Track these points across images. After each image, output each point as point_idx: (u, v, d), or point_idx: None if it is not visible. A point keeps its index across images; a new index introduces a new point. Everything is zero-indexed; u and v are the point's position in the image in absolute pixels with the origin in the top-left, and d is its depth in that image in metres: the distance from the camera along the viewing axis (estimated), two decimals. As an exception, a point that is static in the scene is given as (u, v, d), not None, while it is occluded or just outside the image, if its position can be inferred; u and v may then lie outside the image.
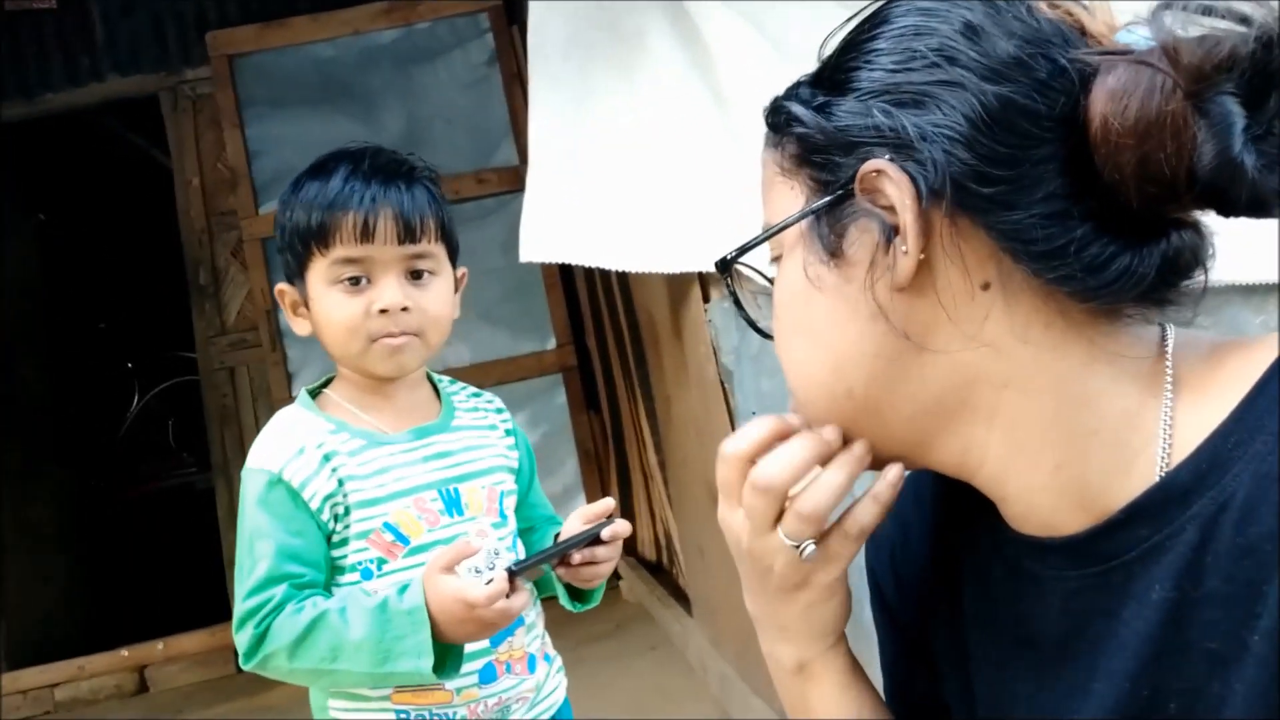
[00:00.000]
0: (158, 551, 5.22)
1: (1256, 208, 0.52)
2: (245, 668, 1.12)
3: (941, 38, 0.56)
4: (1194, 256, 0.56)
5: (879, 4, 0.60)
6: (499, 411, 1.30)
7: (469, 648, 1.11)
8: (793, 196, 0.61)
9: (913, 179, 0.55)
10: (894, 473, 0.62)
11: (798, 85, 0.62)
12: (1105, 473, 0.56)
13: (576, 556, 1.12)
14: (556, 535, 1.22)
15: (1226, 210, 0.54)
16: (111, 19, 4.22)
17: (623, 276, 2.95)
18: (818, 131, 0.59)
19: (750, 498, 0.62)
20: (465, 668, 1.11)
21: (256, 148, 4.01)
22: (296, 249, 1.17)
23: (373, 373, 1.18)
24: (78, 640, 3.91)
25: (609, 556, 1.14)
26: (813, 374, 0.61)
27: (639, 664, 2.97)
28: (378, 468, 1.16)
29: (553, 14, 2.23)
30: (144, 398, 6.20)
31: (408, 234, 1.15)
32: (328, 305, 1.16)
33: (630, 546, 3.73)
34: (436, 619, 1.05)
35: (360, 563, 1.15)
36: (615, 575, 3.62)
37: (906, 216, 0.55)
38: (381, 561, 1.14)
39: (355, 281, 1.15)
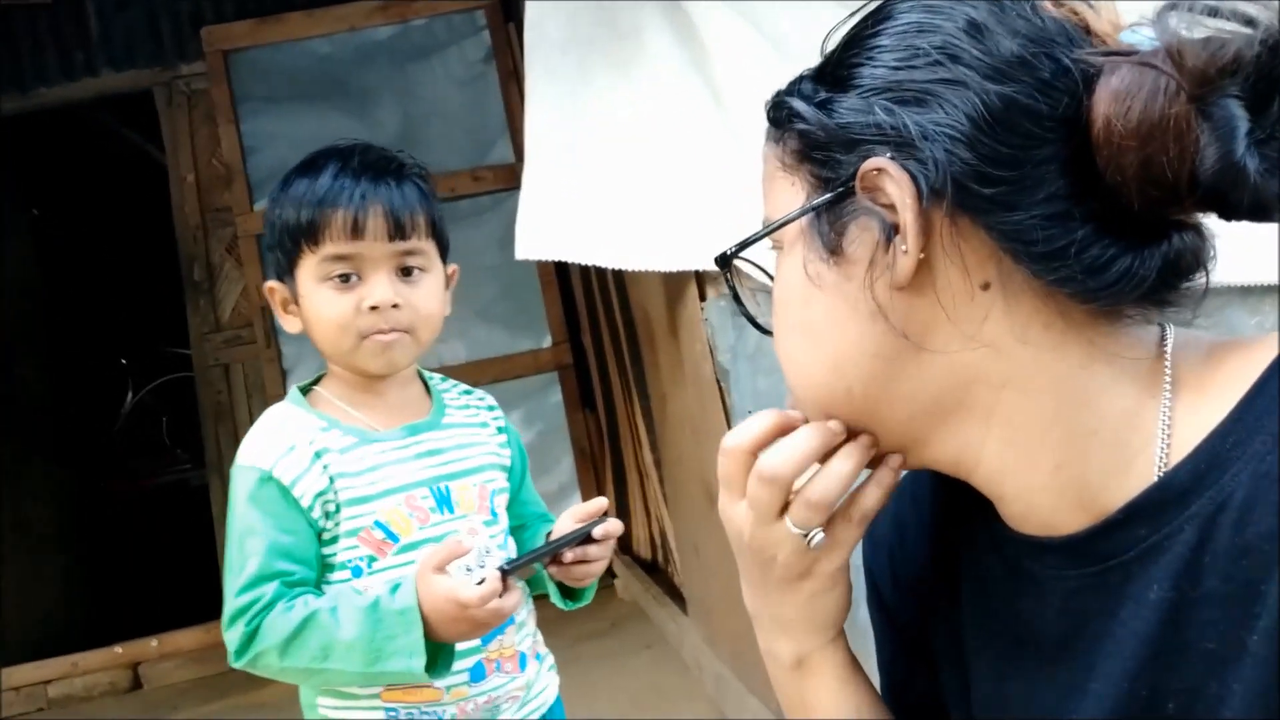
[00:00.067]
0: (152, 548, 5.21)
1: (1258, 212, 0.52)
2: (234, 666, 1.11)
3: (945, 35, 0.56)
4: (1195, 258, 0.56)
5: (881, 0, 0.60)
6: (491, 409, 1.30)
7: (459, 646, 1.11)
8: (793, 192, 0.61)
9: (914, 178, 0.55)
10: (896, 459, 0.62)
11: (800, 80, 0.62)
12: (1104, 473, 0.56)
13: (568, 555, 1.12)
14: (548, 533, 1.21)
15: (1228, 214, 0.54)
16: (106, 13, 4.20)
17: (619, 274, 2.95)
18: (819, 128, 0.58)
19: (755, 488, 0.62)
20: (455, 666, 1.11)
21: (251, 144, 4.00)
22: (286, 246, 1.17)
23: (364, 370, 1.18)
24: (71, 637, 3.90)
25: (601, 555, 1.14)
26: (811, 372, 0.61)
27: (634, 663, 2.97)
28: (369, 465, 1.16)
29: (549, 11, 2.22)
30: (138, 394, 6.19)
31: (398, 231, 1.15)
32: (318, 302, 1.16)
33: (625, 545, 3.73)
34: (429, 618, 1.05)
35: (350, 560, 1.14)
36: (610, 574, 3.62)
37: (907, 215, 0.55)
38: (372, 559, 1.14)
39: (345, 278, 1.15)
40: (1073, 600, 0.58)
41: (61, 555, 4.46)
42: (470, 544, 1.12)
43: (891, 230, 0.56)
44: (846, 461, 0.61)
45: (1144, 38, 0.53)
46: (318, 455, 1.14)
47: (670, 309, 2.30)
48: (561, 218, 2.10)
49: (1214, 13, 0.51)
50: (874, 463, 0.63)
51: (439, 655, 1.08)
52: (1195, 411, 0.55)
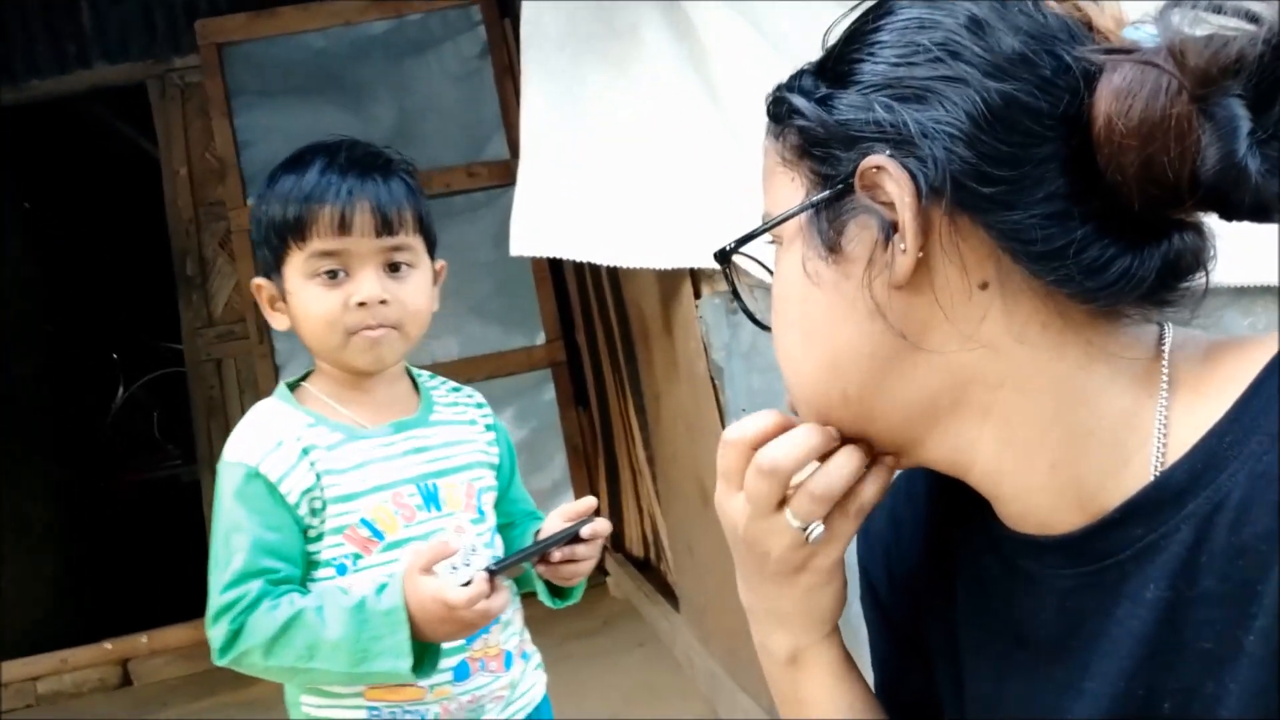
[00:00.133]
0: (142, 544, 5.20)
1: (1259, 212, 0.52)
2: (218, 663, 1.11)
3: (946, 31, 0.55)
4: (1195, 258, 0.56)
5: None
6: (479, 406, 1.29)
7: (444, 645, 1.11)
8: (793, 188, 0.61)
9: (913, 176, 0.54)
10: (892, 456, 0.62)
11: (800, 74, 0.62)
12: (1101, 472, 0.56)
13: (556, 555, 1.12)
14: (537, 532, 1.21)
15: (1229, 214, 0.53)
16: (99, 5, 4.19)
17: (613, 272, 2.95)
18: (818, 125, 0.58)
19: (755, 480, 0.62)
20: (439, 665, 1.11)
21: (245, 138, 3.98)
22: (273, 243, 1.16)
23: (351, 366, 1.18)
24: (60, 633, 3.88)
25: (589, 555, 1.14)
26: (808, 371, 0.61)
27: (626, 661, 2.97)
28: (356, 462, 1.15)
29: (546, 7, 2.22)
30: (129, 389, 6.16)
31: (385, 226, 1.14)
32: (305, 299, 1.15)
33: (618, 543, 3.73)
34: (415, 619, 1.05)
35: (335, 558, 1.14)
36: (603, 571, 3.62)
37: (906, 214, 0.55)
38: (357, 556, 1.14)
39: (333, 275, 1.14)
40: (1069, 599, 0.58)
41: (51, 550, 4.44)
42: (457, 544, 1.11)
43: (890, 228, 0.56)
44: (850, 457, 0.61)
45: (1146, 35, 0.53)
46: (305, 452, 1.13)
47: (665, 306, 2.30)
48: (557, 214, 2.09)
49: (1218, 9, 0.51)
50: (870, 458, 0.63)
51: (425, 655, 1.07)
52: (1192, 411, 0.55)
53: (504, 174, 3.75)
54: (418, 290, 1.18)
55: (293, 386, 1.22)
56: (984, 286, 0.56)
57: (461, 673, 1.16)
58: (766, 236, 0.63)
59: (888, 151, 0.55)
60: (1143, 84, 0.51)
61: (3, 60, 4.11)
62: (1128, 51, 0.53)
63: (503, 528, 1.26)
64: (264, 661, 1.08)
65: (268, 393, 1.23)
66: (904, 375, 0.58)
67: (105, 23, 4.19)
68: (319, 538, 1.14)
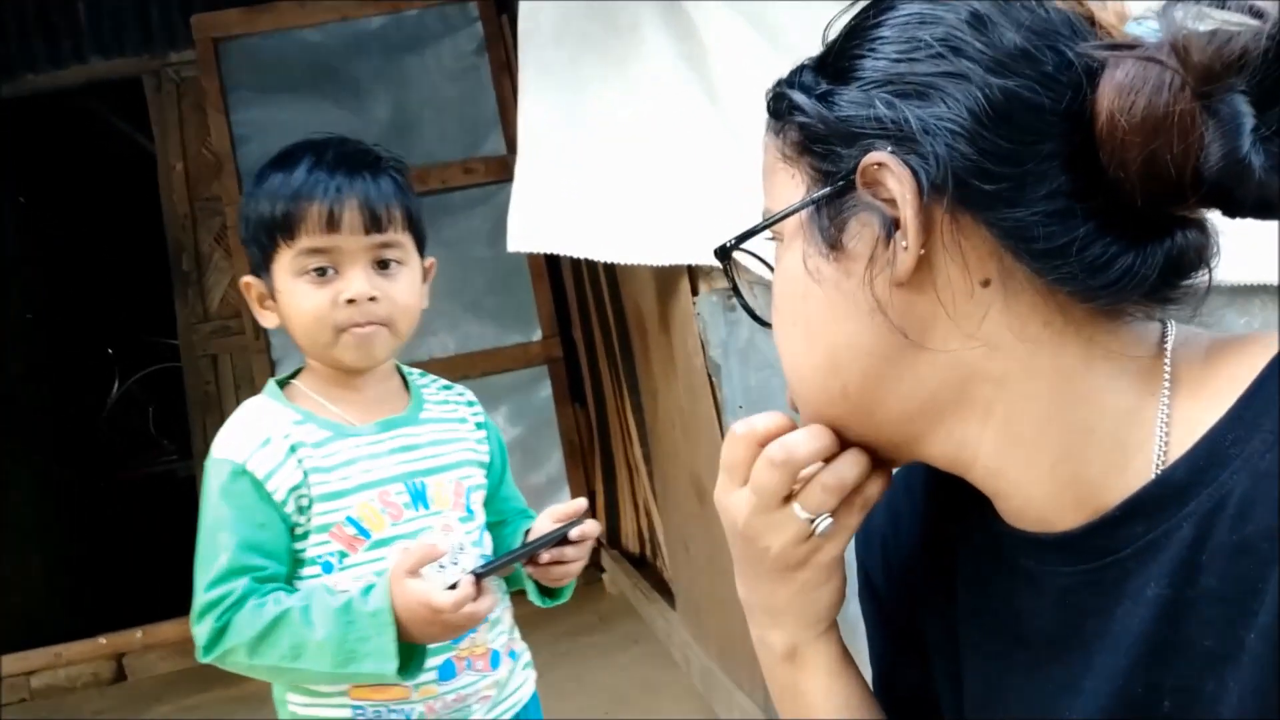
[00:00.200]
0: (137, 539, 5.18)
1: (1262, 209, 0.51)
2: (203, 661, 1.10)
3: (947, 27, 0.55)
4: (1198, 256, 0.56)
5: None
6: (470, 405, 1.29)
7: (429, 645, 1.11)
8: (794, 185, 0.60)
9: (914, 173, 0.54)
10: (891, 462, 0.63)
11: (801, 70, 0.62)
12: (1102, 470, 0.56)
13: (545, 555, 1.12)
14: (527, 532, 1.21)
15: (1232, 211, 0.53)
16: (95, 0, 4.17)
17: (610, 268, 2.94)
18: (819, 121, 0.58)
19: (765, 471, 0.61)
20: (424, 664, 1.11)
21: (241, 133, 3.97)
22: (262, 241, 1.16)
23: (341, 363, 1.18)
24: (55, 628, 3.87)
25: (578, 556, 1.14)
26: (808, 368, 0.61)
27: (621, 657, 2.97)
28: (343, 459, 1.15)
29: (543, 4, 2.22)
30: (125, 384, 6.15)
31: (374, 223, 1.14)
32: (294, 297, 1.15)
33: (614, 540, 3.73)
34: (402, 621, 1.04)
35: (321, 556, 1.14)
36: (599, 568, 3.62)
37: (907, 211, 0.54)
38: (343, 555, 1.14)
39: (322, 272, 1.14)
40: (1069, 597, 0.58)
41: (46, 545, 4.43)
42: (445, 544, 1.11)
43: (892, 225, 0.56)
44: (862, 453, 0.61)
45: (1149, 30, 0.53)
46: (292, 449, 1.13)
47: (662, 304, 2.30)
48: (554, 211, 2.09)
49: (1221, 5, 0.50)
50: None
51: (411, 657, 1.07)
52: (1194, 409, 0.55)
53: (501, 170, 3.74)
54: (407, 287, 1.18)
55: (283, 384, 1.22)
56: (985, 284, 0.56)
57: (447, 672, 1.15)
58: (767, 233, 0.63)
59: (889, 148, 0.55)
60: (1145, 80, 0.51)
61: (-2, 54, 4.10)
62: (1130, 47, 0.53)
63: (494, 526, 1.26)
64: (249, 660, 1.08)
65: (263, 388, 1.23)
66: (905, 373, 0.58)
67: (101, 17, 4.18)
68: (305, 535, 1.14)
